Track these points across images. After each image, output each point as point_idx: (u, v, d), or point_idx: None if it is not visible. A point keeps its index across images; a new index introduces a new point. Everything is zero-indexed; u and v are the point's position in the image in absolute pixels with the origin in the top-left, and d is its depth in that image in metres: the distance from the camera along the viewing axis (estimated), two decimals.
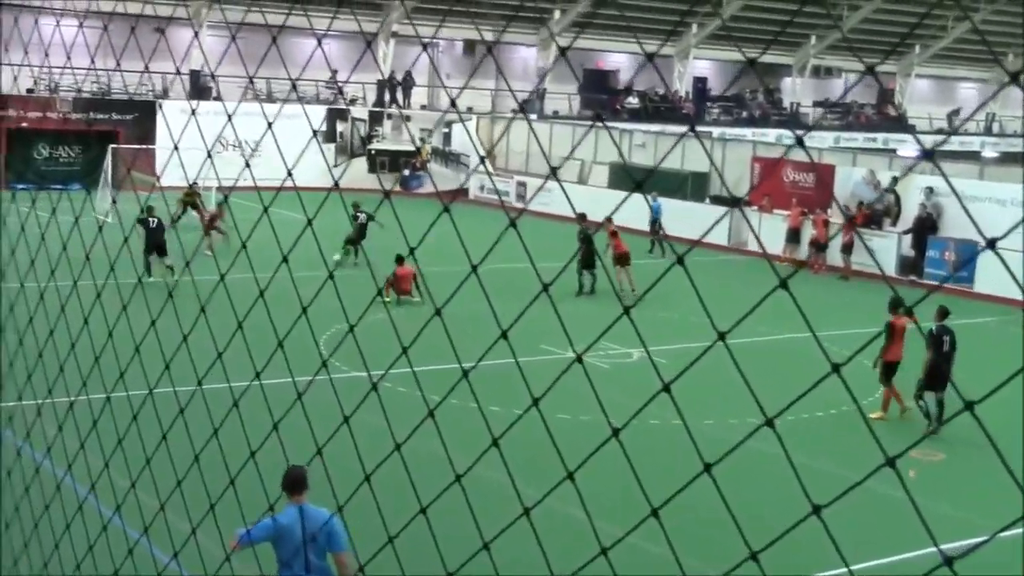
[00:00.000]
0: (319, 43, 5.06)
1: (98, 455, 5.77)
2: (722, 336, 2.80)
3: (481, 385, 4.01)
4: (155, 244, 24.92)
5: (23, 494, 6.46)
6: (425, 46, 4.36)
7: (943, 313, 17.64)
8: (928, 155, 2.53)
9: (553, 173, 3.29)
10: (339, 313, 4.40)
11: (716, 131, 49.95)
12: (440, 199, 3.27)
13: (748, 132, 51.44)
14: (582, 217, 26.95)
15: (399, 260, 24.43)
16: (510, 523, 3.59)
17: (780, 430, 2.75)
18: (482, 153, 47.40)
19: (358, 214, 29.27)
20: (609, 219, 22.21)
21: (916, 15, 54.36)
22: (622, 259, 26.21)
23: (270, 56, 4.78)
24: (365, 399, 3.91)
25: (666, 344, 19.87)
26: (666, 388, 2.87)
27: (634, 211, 34.16)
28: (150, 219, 25.13)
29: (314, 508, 8.23)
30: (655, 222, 34.03)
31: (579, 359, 3.17)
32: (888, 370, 17.74)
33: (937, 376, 17.19)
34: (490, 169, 46.41)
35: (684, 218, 34.77)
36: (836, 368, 2.57)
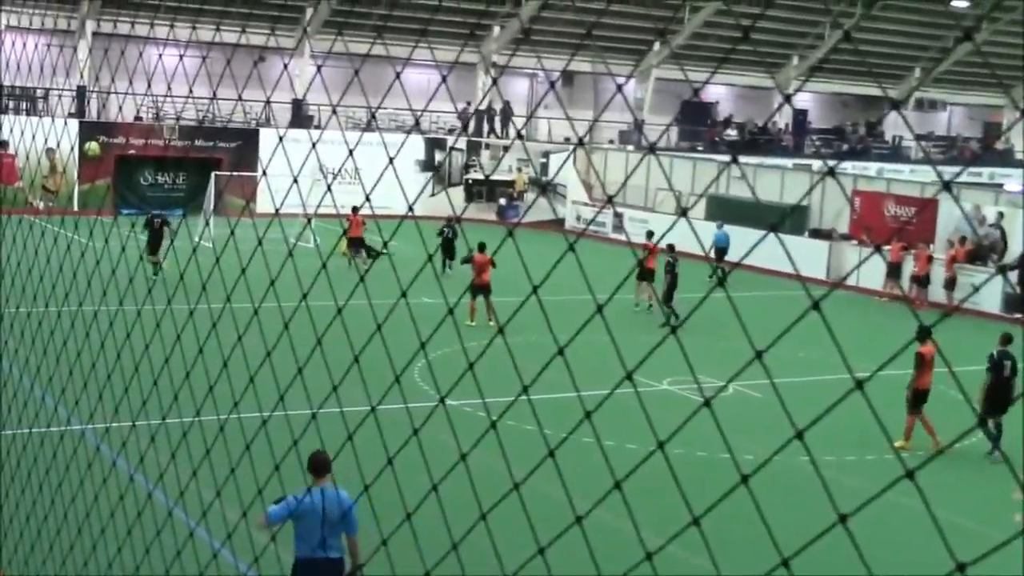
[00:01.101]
0: (443, 78, 5.09)
1: (186, 469, 5.85)
2: (759, 354, 2.77)
3: (574, 418, 3.99)
4: (154, 243, 26.66)
5: (118, 502, 6.57)
6: (551, 80, 4.37)
7: (1007, 339, 17.91)
8: None
9: (610, 200, 3.26)
10: (435, 339, 4.41)
11: (816, 163, 49.39)
12: (565, 233, 3.26)
13: (848, 165, 50.78)
14: (671, 248, 27.19)
15: (481, 247, 24.90)
16: (636, 564, 3.55)
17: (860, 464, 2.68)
18: (580, 185, 47.29)
19: (444, 229, 30.36)
20: (650, 233, 27.49)
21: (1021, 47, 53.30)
22: (647, 275, 27.86)
23: (371, 86, 4.85)
24: (482, 436, 3.91)
25: (762, 378, 19.62)
26: (707, 403, 2.82)
27: (734, 242, 33.92)
28: (155, 220, 27.14)
29: (334, 491, 8.78)
30: (722, 251, 34.33)
31: (707, 403, 3.10)
32: (917, 398, 17.87)
33: (997, 401, 17.19)
34: (587, 200, 46.40)
35: (782, 252, 34.29)
36: (859, 384, 2.57)
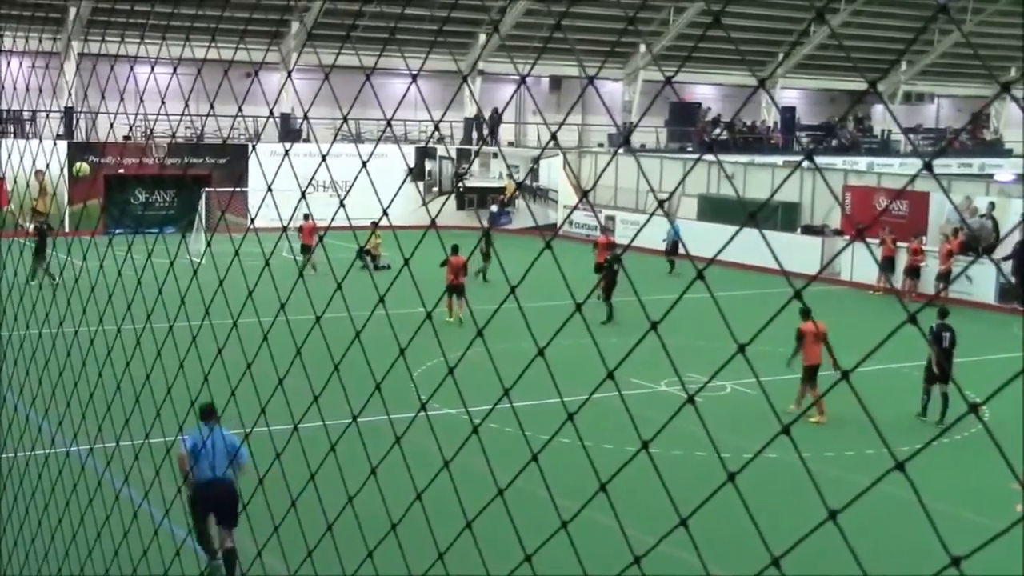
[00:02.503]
0: (414, 80, 5.09)
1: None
2: (742, 348, 2.77)
3: (556, 420, 3.98)
4: (41, 248, 28.48)
5: (122, 539, 6.55)
6: (523, 79, 4.37)
7: (944, 313, 19.39)
8: None
9: (584, 195, 3.26)
10: (429, 350, 4.40)
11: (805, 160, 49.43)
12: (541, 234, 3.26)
13: (839, 160, 50.85)
14: (617, 259, 28.42)
15: (455, 250, 25.76)
16: (622, 569, 3.54)
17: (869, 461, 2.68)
18: (571, 189, 47.34)
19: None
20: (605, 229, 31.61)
21: (1011, 37, 53.46)
22: (600, 268, 29.49)
23: (358, 97, 4.84)
24: (466, 441, 3.90)
25: (760, 376, 19.61)
26: (689, 402, 2.81)
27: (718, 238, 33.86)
28: (44, 227, 29.06)
29: (220, 431, 11.67)
30: (675, 243, 35.30)
31: (691, 400, 3.10)
32: (807, 373, 18.53)
33: (941, 370, 18.49)
34: (578, 203, 46.44)
35: (776, 248, 34.35)
36: (845, 375, 2.60)
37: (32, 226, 29.84)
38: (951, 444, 16.88)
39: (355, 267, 4.45)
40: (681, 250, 35.40)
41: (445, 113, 49.01)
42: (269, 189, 5.03)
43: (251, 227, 4.72)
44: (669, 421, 3.35)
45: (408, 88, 4.26)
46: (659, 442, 3.46)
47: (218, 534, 11.82)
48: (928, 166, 2.35)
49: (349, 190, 4.46)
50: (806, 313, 18.52)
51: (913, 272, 32.37)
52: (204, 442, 11.39)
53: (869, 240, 34.71)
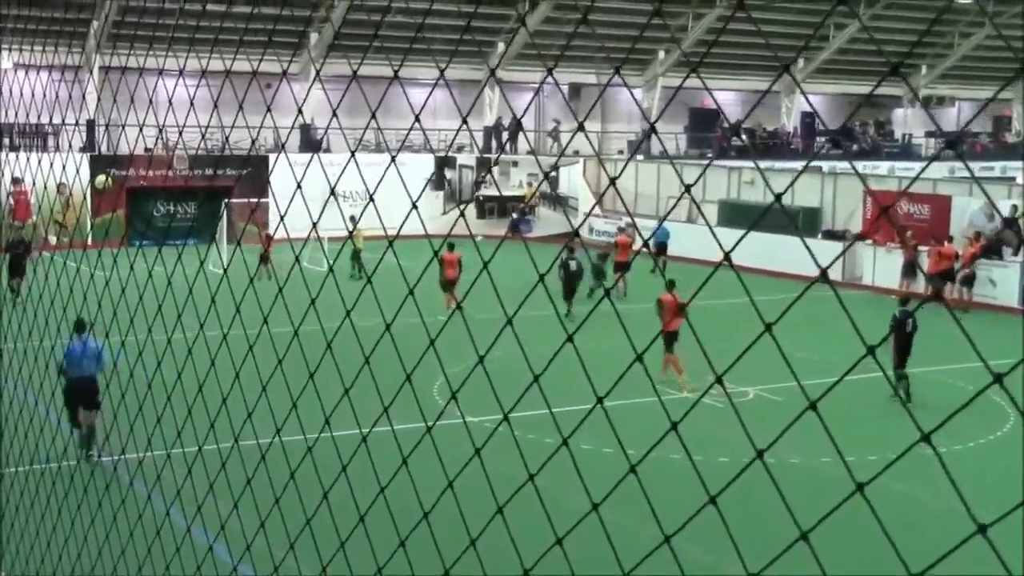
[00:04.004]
0: (437, 86, 5.12)
1: (227, 500, 5.85)
2: (769, 327, 2.77)
3: (592, 425, 3.99)
4: (18, 266, 28.41)
5: (155, 538, 6.58)
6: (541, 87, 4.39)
7: (905, 300, 21.87)
8: None
9: (599, 201, 3.27)
10: (453, 356, 4.41)
11: (826, 165, 49.31)
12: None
13: (859, 165, 50.69)
14: (570, 249, 28.54)
15: (451, 247, 27.35)
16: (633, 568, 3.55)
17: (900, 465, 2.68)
18: (591, 196, 47.34)
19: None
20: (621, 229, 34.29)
21: None
22: (622, 267, 31.17)
23: (377, 107, 4.86)
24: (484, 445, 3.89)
25: (783, 382, 19.62)
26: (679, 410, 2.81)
27: (745, 247, 33.71)
28: (20, 244, 29.05)
29: (88, 340, 15.55)
30: (662, 246, 36.55)
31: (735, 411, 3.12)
32: (667, 339, 20.54)
33: (903, 354, 20.17)
34: (598, 211, 46.42)
35: (795, 253, 34.33)
36: (812, 405, 2.53)
37: (7, 240, 29.73)
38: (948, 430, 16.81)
39: (352, 275, 4.47)
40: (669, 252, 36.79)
41: (467, 117, 49.07)
42: (296, 197, 5.06)
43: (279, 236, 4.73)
44: (664, 436, 3.34)
45: (428, 95, 4.28)
46: (680, 448, 3.46)
47: (84, 416, 16.33)
48: (951, 144, 2.34)
49: (372, 197, 4.47)
50: (670, 285, 20.87)
51: (942, 278, 32.17)
52: (76, 349, 15.77)
53: (890, 245, 34.63)
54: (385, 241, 4.36)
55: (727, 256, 2.81)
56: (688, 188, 3.20)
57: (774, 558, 3.01)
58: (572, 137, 3.45)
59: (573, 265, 28.26)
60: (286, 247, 32.15)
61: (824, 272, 2.64)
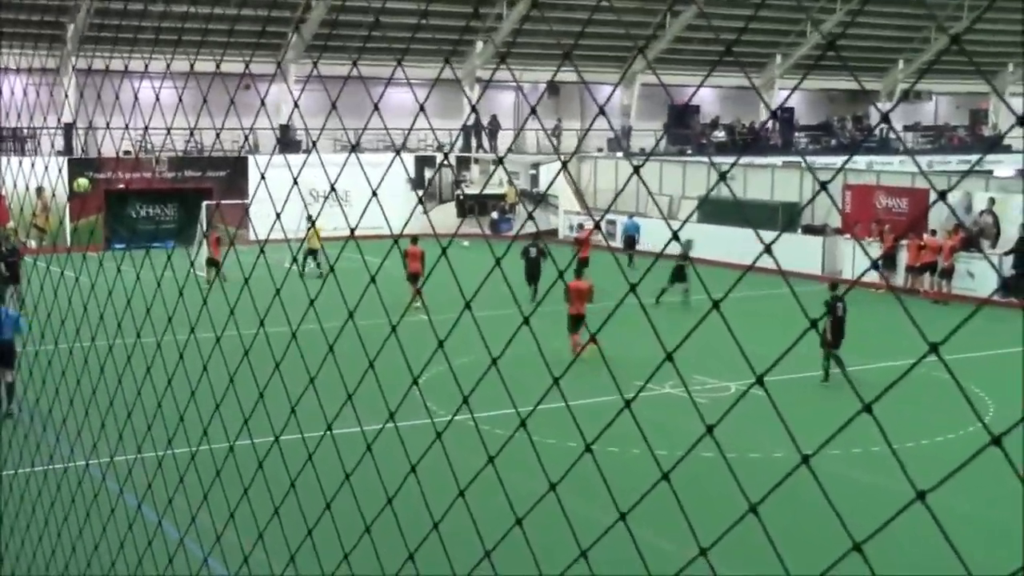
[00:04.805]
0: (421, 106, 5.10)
1: (198, 496, 5.84)
2: (668, 356, 2.76)
3: (562, 423, 3.99)
4: (12, 274, 28.25)
5: (127, 532, 6.57)
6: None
7: (834, 286, 23.30)
8: None
9: (499, 158, 3.27)
10: (438, 355, 4.39)
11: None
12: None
13: (838, 160, 50.82)
14: (536, 244, 30.19)
15: (414, 240, 28.48)
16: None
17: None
18: (571, 193, 47.35)
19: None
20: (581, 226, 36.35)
21: (1008, 33, 53.50)
22: (583, 263, 30.83)
23: (356, 107, 4.86)
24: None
25: (770, 376, 19.63)
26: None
27: (718, 241, 33.87)
28: (14, 252, 28.95)
29: (7, 309, 19.04)
30: (631, 239, 37.95)
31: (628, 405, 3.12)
32: (572, 321, 22.75)
33: (835, 336, 21.56)
34: (579, 209, 46.44)
35: (776, 248, 34.38)
36: (806, 459, 2.55)
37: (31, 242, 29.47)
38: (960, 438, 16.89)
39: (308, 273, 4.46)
40: (639, 247, 38.05)
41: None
42: (272, 198, 5.04)
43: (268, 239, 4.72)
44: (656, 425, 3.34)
45: (431, 97, 4.27)
46: (664, 444, 3.46)
47: (3, 374, 18.76)
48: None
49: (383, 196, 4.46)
50: (578, 272, 24.20)
51: (915, 269, 32.36)
52: None
53: (869, 240, 34.75)
54: (354, 241, 4.34)
55: (676, 235, 2.80)
56: (637, 169, 3.20)
57: (722, 533, 3.00)
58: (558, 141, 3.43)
59: (533, 251, 30.29)
60: (256, 248, 32.06)
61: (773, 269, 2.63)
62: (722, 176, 2.88)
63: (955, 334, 2.43)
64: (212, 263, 29.85)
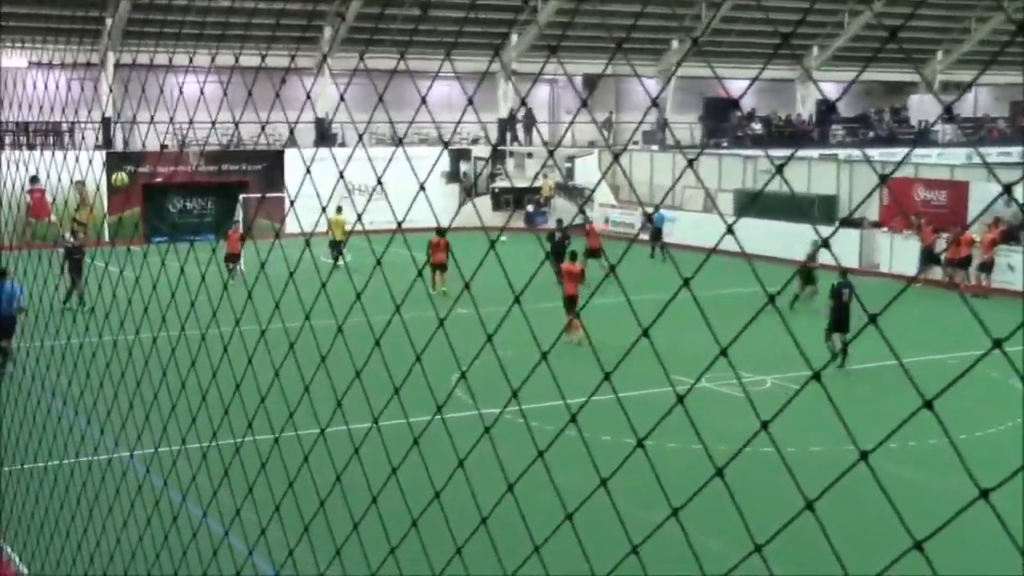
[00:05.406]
0: (469, 100, 5.12)
1: (242, 491, 5.88)
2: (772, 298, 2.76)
3: (607, 417, 4.00)
4: (76, 269, 27.25)
5: (171, 524, 6.62)
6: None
7: (844, 273, 22.53)
8: None
9: (590, 194, 3.28)
10: (472, 350, 4.42)
11: (842, 153, 49.12)
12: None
13: (876, 152, 50.48)
14: (561, 228, 32.49)
15: (440, 232, 27.92)
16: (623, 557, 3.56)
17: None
18: (607, 187, 47.26)
19: (556, 233, 32.93)
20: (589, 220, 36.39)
21: None
22: (593, 253, 31.88)
23: (392, 100, 4.88)
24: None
25: (795, 371, 19.59)
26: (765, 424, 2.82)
27: (755, 233, 33.72)
28: (72, 243, 28.74)
29: (9, 283, 20.00)
30: (658, 231, 38.12)
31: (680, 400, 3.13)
32: (567, 303, 23.38)
33: (839, 320, 22.06)
34: (614, 202, 46.35)
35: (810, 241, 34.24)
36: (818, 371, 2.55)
37: (70, 242, 29.30)
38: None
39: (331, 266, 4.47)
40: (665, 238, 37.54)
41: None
42: (311, 192, 5.09)
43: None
44: (662, 419, 3.35)
45: (464, 90, 4.29)
46: (697, 439, 3.48)
47: (5, 343, 20.22)
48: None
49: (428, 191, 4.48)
50: (572, 256, 25.34)
51: (959, 264, 32.04)
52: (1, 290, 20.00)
53: (907, 232, 34.49)
54: (395, 235, 4.37)
55: (730, 228, 2.81)
56: (691, 163, 3.21)
57: (780, 530, 3.01)
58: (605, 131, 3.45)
59: (557, 236, 32.41)
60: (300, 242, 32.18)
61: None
62: (779, 169, 2.88)
63: (993, 329, 2.43)
64: (229, 259, 30.26)
